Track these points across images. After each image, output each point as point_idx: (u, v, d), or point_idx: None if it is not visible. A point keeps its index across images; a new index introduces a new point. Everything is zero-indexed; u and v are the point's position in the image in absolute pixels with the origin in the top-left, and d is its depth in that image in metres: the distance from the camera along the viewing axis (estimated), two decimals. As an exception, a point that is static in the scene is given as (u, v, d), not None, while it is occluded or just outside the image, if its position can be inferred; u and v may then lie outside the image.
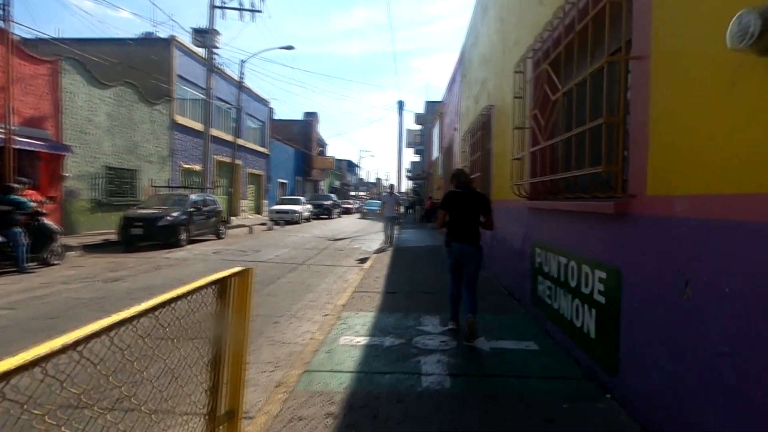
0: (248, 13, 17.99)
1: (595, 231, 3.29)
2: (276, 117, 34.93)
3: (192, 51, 18.85)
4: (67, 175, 12.36)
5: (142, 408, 1.10)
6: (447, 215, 4.32)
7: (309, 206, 26.13)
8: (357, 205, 39.69)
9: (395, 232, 12.82)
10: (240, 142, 22.68)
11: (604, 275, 3.12)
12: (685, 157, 2.24)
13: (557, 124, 4.06)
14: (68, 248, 9.39)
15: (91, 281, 7.03)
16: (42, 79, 11.65)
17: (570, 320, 3.74)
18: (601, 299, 3.15)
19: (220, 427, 1.61)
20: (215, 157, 21.27)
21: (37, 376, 0.79)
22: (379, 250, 11.33)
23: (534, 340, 4.13)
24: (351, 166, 69.66)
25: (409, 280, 7.18)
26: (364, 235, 16.96)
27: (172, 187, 15.71)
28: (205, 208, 13.28)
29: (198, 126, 18.74)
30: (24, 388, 0.80)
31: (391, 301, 5.60)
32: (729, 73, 1.93)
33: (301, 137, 40.11)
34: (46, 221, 8.34)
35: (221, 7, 17.41)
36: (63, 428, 0.85)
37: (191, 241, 12.50)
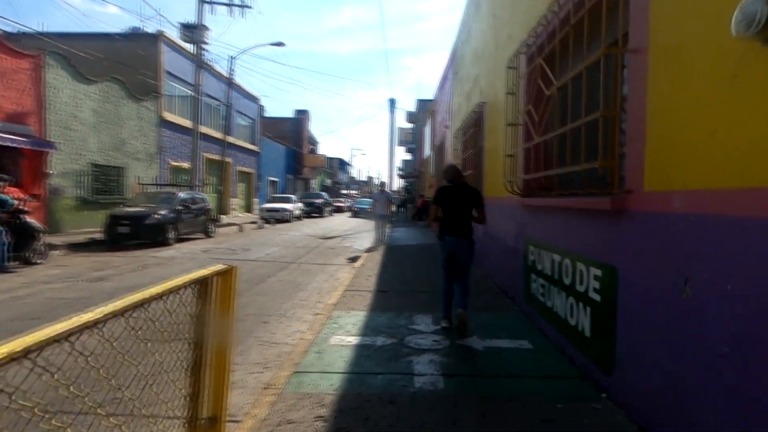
0: (238, 8, 17.77)
1: (591, 227, 3.24)
2: (267, 114, 34.66)
3: (180, 47, 18.55)
4: (51, 172, 12.07)
5: (111, 419, 1.01)
6: (439, 210, 4.34)
7: (300, 204, 25.93)
8: (348, 204, 39.54)
9: (387, 230, 12.74)
10: (230, 139, 22.43)
11: (599, 273, 3.07)
12: (683, 152, 2.19)
13: (551, 119, 4.00)
14: (52, 247, 9.16)
15: (74, 281, 6.84)
16: (24, 73, 11.35)
17: (564, 318, 3.69)
18: (597, 297, 3.10)
19: (202, 434, 1.52)
20: (205, 154, 20.98)
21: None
22: (371, 249, 11.24)
23: (527, 338, 4.07)
24: (342, 164, 69.41)
25: (400, 278, 7.10)
26: (356, 234, 16.86)
27: (160, 184, 15.44)
28: (194, 207, 13.08)
29: (187, 123, 18.46)
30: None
31: (382, 300, 5.52)
32: (731, 64, 1.88)
33: (292, 135, 39.81)
34: (29, 219, 8.11)
35: (210, 2, 17.16)
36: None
37: (180, 240, 12.30)
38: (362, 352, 3.68)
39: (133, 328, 1.06)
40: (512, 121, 5.11)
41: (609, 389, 2.88)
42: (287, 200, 24.39)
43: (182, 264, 8.70)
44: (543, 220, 4.37)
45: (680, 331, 2.21)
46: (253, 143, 28.44)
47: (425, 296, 5.69)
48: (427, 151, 22.12)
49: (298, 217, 24.71)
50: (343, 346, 3.82)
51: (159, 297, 1.15)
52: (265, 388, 3.04)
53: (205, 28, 16.93)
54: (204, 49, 17.35)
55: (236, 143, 25.05)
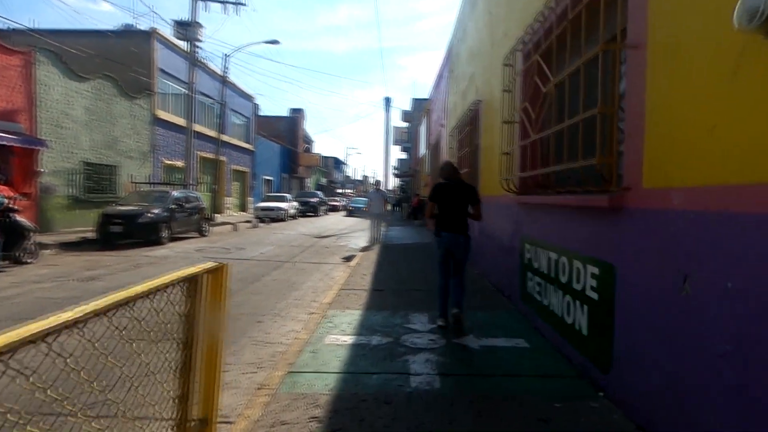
0: (232, 6, 17.64)
1: (588, 225, 3.21)
2: (261, 113, 34.49)
3: (174, 44, 18.39)
4: (42, 170, 11.91)
5: (93, 423, 0.96)
6: (435, 206, 4.38)
7: (295, 203, 25.82)
8: (344, 203, 39.44)
9: (382, 229, 12.70)
10: (224, 138, 22.26)
11: (596, 271, 3.05)
12: (683, 148, 2.16)
13: (548, 116, 3.97)
14: (42, 246, 9.03)
15: (65, 280, 6.75)
16: (14, 70, 11.19)
17: (561, 317, 3.67)
18: (594, 295, 3.07)
19: (193, 437, 1.47)
20: (199, 153, 20.83)
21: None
22: (366, 248, 11.20)
23: (524, 337, 4.05)
24: (338, 163, 69.26)
25: (396, 277, 7.06)
26: (351, 233, 16.81)
27: (154, 183, 15.29)
28: (187, 205, 12.97)
29: (180, 121, 18.31)
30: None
31: (378, 299, 5.48)
32: (732, 59, 1.85)
33: (287, 134, 39.65)
34: (19, 218, 7.99)
35: None
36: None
37: (173, 239, 12.19)
38: (357, 351, 3.64)
39: (117, 328, 1.01)
40: (508, 119, 5.08)
41: (606, 388, 2.86)
42: (282, 199, 24.27)
43: (175, 263, 8.61)
44: (539, 218, 4.34)
45: (679, 329, 2.18)
46: (247, 142, 28.29)
47: (421, 295, 5.66)
48: (423, 150, 22.09)
49: (293, 216, 24.60)
50: (338, 345, 3.78)
51: (145, 295, 1.10)
52: (258, 389, 2.99)
53: (199, 25, 16.79)
54: (198, 47, 17.21)
55: (231, 142, 24.89)
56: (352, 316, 4.66)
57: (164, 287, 1.20)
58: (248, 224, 19.18)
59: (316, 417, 2.56)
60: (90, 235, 11.26)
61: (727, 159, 1.88)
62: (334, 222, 23.84)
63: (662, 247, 2.32)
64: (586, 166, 3.00)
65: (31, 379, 0.76)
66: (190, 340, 1.40)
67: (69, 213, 12.99)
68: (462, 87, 9.66)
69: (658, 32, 2.38)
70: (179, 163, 18.50)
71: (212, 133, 21.42)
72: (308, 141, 47.84)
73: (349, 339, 3.94)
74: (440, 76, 14.67)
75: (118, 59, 15.81)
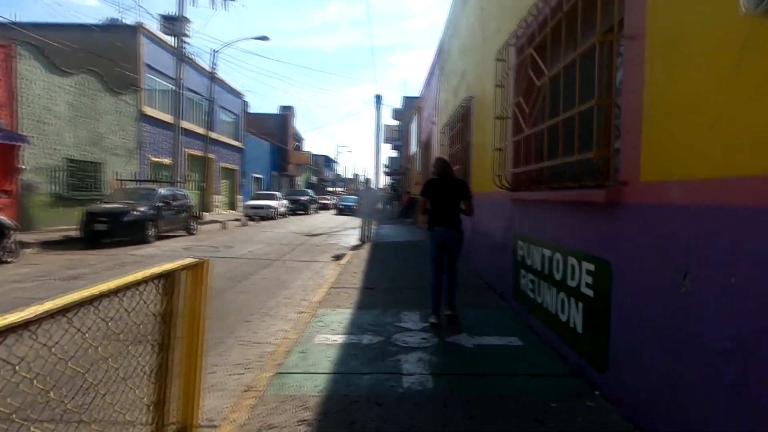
0: (220, 0, 17.36)
1: (583, 221, 3.15)
2: (251, 110, 34.11)
3: (160, 39, 18.05)
4: (23, 167, 11.60)
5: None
6: (428, 202, 4.38)
7: (285, 202, 25.59)
8: (335, 201, 39.24)
9: (373, 227, 12.60)
10: (213, 135, 21.96)
11: (592, 267, 2.99)
12: (683, 140, 2.10)
13: (542, 111, 3.91)
14: (24, 245, 8.79)
15: (46, 280, 6.54)
16: (-6, 64, 10.87)
17: (555, 314, 3.61)
18: (589, 293, 3.02)
19: (171, 445, 1.37)
20: (186, 150, 20.51)
21: None
22: (357, 246, 11.10)
23: (517, 335, 3.99)
24: (328, 161, 68.94)
25: (387, 275, 6.98)
26: (342, 231, 16.69)
27: (140, 180, 14.99)
28: (175, 203, 12.73)
29: (168, 118, 18.00)
30: None
31: (369, 297, 5.39)
32: (736, 47, 1.79)
33: (277, 131, 39.29)
34: (-1, 216, 7.75)
35: (192, -6, 16.73)
36: None
37: (160, 237, 11.96)
38: (348, 351, 3.55)
39: (79, 330, 0.91)
40: (501, 114, 5.01)
41: (603, 387, 2.80)
42: (272, 197, 24.04)
43: (162, 262, 8.32)
44: (533, 214, 4.29)
45: (678, 326, 2.13)
46: (236, 139, 27.96)
47: (412, 293, 5.58)
48: (414, 148, 22.02)
49: (283, 215, 24.38)
50: (328, 345, 3.68)
51: (112, 294, 0.99)
52: (245, 391, 2.88)
53: (187, 20, 16.51)
54: (185, 42, 16.93)
55: (219, 139, 24.57)
56: (342, 315, 4.56)
57: (136, 284, 1.09)
58: (237, 222, 18.94)
59: (305, 420, 2.46)
60: (74, 233, 10.99)
61: (730, 151, 1.82)
62: (324, 220, 23.68)
63: (660, 243, 2.26)
64: (582, 161, 2.94)
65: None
66: (167, 341, 1.30)
67: (52, 211, 12.68)
68: (453, 84, 9.60)
69: (656, 22, 2.32)
70: (167, 161, 18.19)
71: (200, 130, 21.10)
72: (298, 139, 47.51)
73: (339, 338, 3.84)
74: (431, 74, 14.60)
75: (103, 54, 15.45)
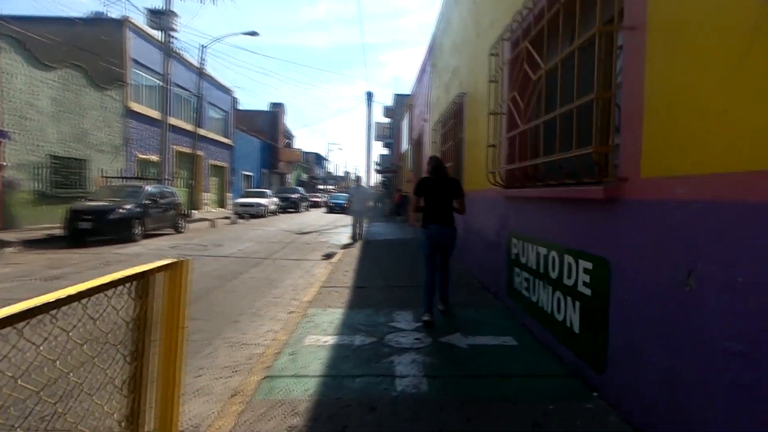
0: (209, -6, 17.04)
1: (580, 218, 3.08)
2: (240, 107, 33.70)
3: (147, 33, 17.68)
4: (4, 164, 11.27)
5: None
6: (420, 200, 4.41)
7: (275, 199, 25.36)
8: (325, 199, 39.00)
9: (364, 225, 12.48)
10: (201, 132, 21.64)
11: (589, 266, 2.92)
12: (687, 134, 2.03)
13: (538, 106, 3.83)
14: (4, 244, 8.54)
15: (27, 280, 6.33)
16: (-27, 57, 10.53)
17: (551, 314, 3.54)
18: (587, 291, 2.95)
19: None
20: (174, 147, 20.18)
21: None
22: (348, 244, 10.99)
23: (512, 334, 3.92)
24: (319, 159, 68.57)
25: (379, 274, 6.88)
26: (333, 229, 16.55)
27: (126, 178, 14.68)
28: (162, 201, 12.49)
29: (155, 114, 17.67)
30: None
31: (361, 297, 5.28)
32: (745, 34, 1.72)
33: (267, 129, 38.90)
34: (-24, 214, 7.49)
35: (179, -12, 16.39)
36: None
37: (147, 236, 11.73)
38: (340, 352, 3.44)
39: (33, 344, 0.79)
40: (495, 110, 4.93)
41: (601, 387, 2.73)
42: (262, 195, 23.78)
43: (148, 261, 8.07)
44: (527, 211, 4.21)
45: (680, 326, 2.06)
46: (226, 136, 27.61)
47: (405, 292, 5.49)
48: (405, 145, 21.91)
49: (274, 212, 24.16)
50: (319, 346, 3.57)
51: (78, 299, 0.88)
52: (232, 396, 2.76)
53: (174, 14, 16.18)
54: (173, 37, 16.61)
55: (208, 136, 24.23)
56: (333, 315, 4.45)
57: (104, 289, 0.98)
58: (227, 220, 18.70)
59: (294, 426, 2.35)
60: (57, 232, 10.72)
61: (737, 145, 1.75)
62: (315, 218, 23.50)
63: (662, 240, 2.19)
64: (580, 156, 2.86)
65: None
66: (141, 349, 1.19)
67: (35, 209, 12.36)
68: (445, 80, 9.51)
69: (658, 12, 2.25)
70: (154, 158, 17.88)
71: (189, 127, 20.78)
72: (289, 136, 47.13)
73: (330, 339, 3.74)
74: (423, 71, 14.50)
75: (87, 48, 15.09)
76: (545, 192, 3.64)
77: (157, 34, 17.01)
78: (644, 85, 2.32)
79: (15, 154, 11.67)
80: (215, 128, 26.10)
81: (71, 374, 0.92)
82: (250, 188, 29.40)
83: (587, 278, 2.95)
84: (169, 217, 12.87)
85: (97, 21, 16.88)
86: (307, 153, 58.43)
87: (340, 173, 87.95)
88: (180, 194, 14.84)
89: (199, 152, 21.42)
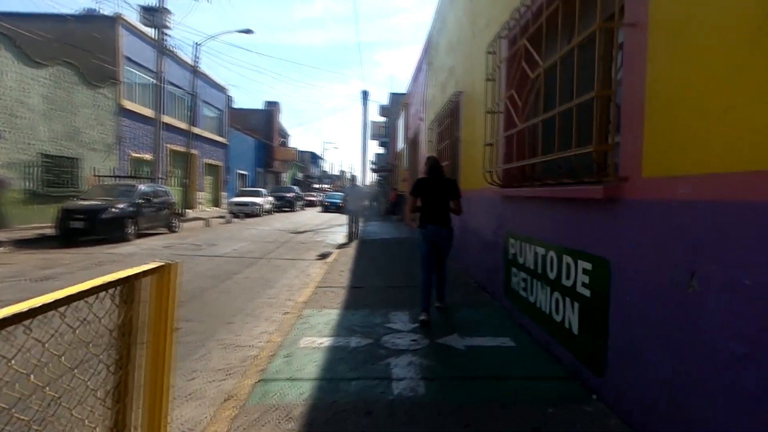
0: (203, -8, 16.87)
1: (580, 218, 3.04)
2: (235, 106, 33.52)
3: (140, 31, 17.50)
4: (-6, 162, 11.12)
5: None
6: (417, 201, 4.43)
7: (270, 198, 25.22)
8: (321, 198, 38.89)
9: (360, 225, 12.41)
10: (195, 130, 21.47)
11: (589, 266, 2.88)
12: (690, 133, 1.99)
13: (536, 104, 3.79)
14: (-6, 243, 8.39)
15: (17, 280, 6.22)
16: (-38, 54, 10.35)
17: (549, 314, 3.50)
18: (586, 292, 2.91)
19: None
20: (168, 146, 20.01)
21: None
22: (344, 244, 10.92)
23: (509, 335, 3.88)
24: (314, 158, 68.35)
25: (375, 274, 6.83)
26: (328, 228, 16.48)
27: (119, 176, 14.52)
28: (156, 200, 12.36)
29: (148, 112, 17.49)
30: None
31: (356, 297, 5.23)
32: (751, 29, 1.68)
33: (262, 127, 38.71)
34: (-35, 213, 7.36)
35: (173, -16, 16.25)
36: None
37: (140, 235, 11.60)
38: (335, 354, 3.39)
39: (3, 357, 0.73)
40: (492, 109, 4.89)
41: (600, 390, 2.70)
42: (257, 194, 23.64)
43: (141, 260, 8.09)
44: (525, 211, 4.17)
45: (682, 328, 2.02)
46: (220, 135, 27.43)
47: (401, 292, 5.44)
48: (401, 144, 21.86)
49: (269, 212, 24.03)
50: (314, 348, 3.52)
51: (54, 307, 0.82)
52: (225, 400, 2.70)
53: (167, 11, 16.03)
54: (166, 34, 16.44)
55: (203, 135, 24.05)
56: (329, 316, 4.40)
57: (84, 295, 0.92)
58: (221, 220, 18.58)
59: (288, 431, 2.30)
60: (49, 231, 10.57)
61: (742, 144, 1.71)
62: (310, 217, 23.41)
63: (664, 241, 2.15)
64: (580, 155, 2.82)
65: None
66: (126, 358, 1.13)
67: (26, 208, 12.20)
68: (441, 79, 9.46)
69: (660, 9, 2.20)
70: (147, 156, 17.71)
71: (183, 126, 20.61)
72: (284, 135, 46.94)
73: (326, 341, 3.68)
74: (418, 69, 14.44)
75: (79, 46, 14.90)
76: (543, 191, 3.60)
77: (151, 32, 16.83)
78: (646, 83, 2.28)
79: (5, 152, 11.50)
80: (210, 127, 25.92)
81: (47, 388, 0.86)
82: (245, 187, 29.24)
83: (586, 279, 2.91)
84: (162, 216, 12.75)
85: (90, 18, 16.68)
86: (302, 152, 58.22)
87: (336, 172, 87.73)
88: (174, 193, 14.71)
89: (193, 151, 21.26)
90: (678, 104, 2.07)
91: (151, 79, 17.68)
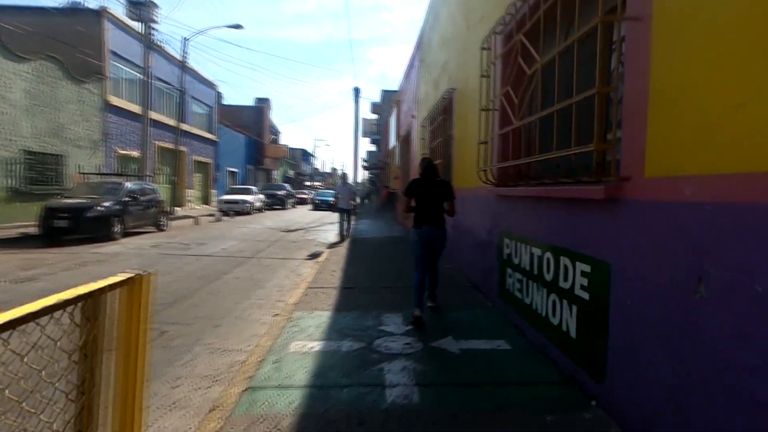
0: (191, -14, 16.58)
1: (578, 219, 2.96)
2: (225, 102, 33.11)
3: (127, 25, 17.13)
4: (-25, 159, 10.79)
5: None
6: (411, 202, 4.43)
7: (261, 196, 24.95)
8: (312, 195, 38.64)
9: (351, 223, 12.28)
10: (184, 127, 21.12)
11: (587, 268, 2.79)
12: (697, 131, 1.90)
13: (533, 101, 3.70)
14: (-27, 243, 8.12)
15: (-4, 282, 6.01)
16: (-61, 47, 10.01)
17: (545, 317, 3.42)
18: (585, 295, 2.82)
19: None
20: (156, 142, 19.66)
21: None
22: (335, 243, 10.79)
23: (505, 338, 3.79)
24: (306, 155, 67.93)
25: (367, 274, 6.71)
26: (319, 227, 16.32)
27: (104, 174, 14.19)
28: (143, 198, 12.11)
29: (136, 108, 17.16)
30: None
31: (348, 298, 5.12)
32: (757, 27, 1.59)
33: (252, 124, 38.30)
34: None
35: (160, -22, 15.91)
36: None
37: (127, 234, 11.36)
38: (326, 360, 3.27)
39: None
40: (486, 106, 4.79)
41: (600, 396, 2.62)
42: (247, 192, 23.37)
43: (127, 260, 7.93)
44: (520, 210, 4.09)
45: (685, 333, 1.94)
46: (210, 132, 27.05)
47: (393, 293, 5.34)
48: (393, 142, 21.72)
49: (259, 209, 23.78)
50: (304, 353, 3.40)
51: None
52: (211, 410, 2.57)
53: (154, 5, 15.70)
54: (153, 29, 16.13)
55: (192, 131, 23.68)
56: (320, 319, 4.28)
57: (34, 316, 0.80)
58: (211, 218, 18.32)
59: (277, 445, 2.18)
60: (32, 230, 10.30)
61: (753, 142, 1.62)
62: (301, 215, 23.21)
63: (668, 243, 2.07)
64: (579, 154, 2.73)
65: None
66: (89, 383, 1.00)
67: (8, 206, 11.87)
68: (434, 75, 9.35)
69: (665, 2, 2.11)
70: (135, 153, 17.39)
71: (171, 122, 20.26)
72: (275, 132, 46.54)
73: (316, 345, 3.56)
74: (411, 66, 14.31)
75: (63, 40, 14.53)
76: (540, 191, 3.51)
77: (137, 26, 16.50)
78: (649, 78, 2.19)
79: (-14, 149, 11.17)
80: (199, 123, 25.55)
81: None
82: (235, 185, 28.92)
83: (585, 281, 2.82)
84: (150, 214, 12.50)
85: (74, 11, 16.31)
86: (293, 149, 57.81)
87: (327, 170, 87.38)
88: (162, 191, 14.44)
89: (182, 148, 20.92)
90: (683, 102, 1.99)
91: (138, 75, 17.33)
